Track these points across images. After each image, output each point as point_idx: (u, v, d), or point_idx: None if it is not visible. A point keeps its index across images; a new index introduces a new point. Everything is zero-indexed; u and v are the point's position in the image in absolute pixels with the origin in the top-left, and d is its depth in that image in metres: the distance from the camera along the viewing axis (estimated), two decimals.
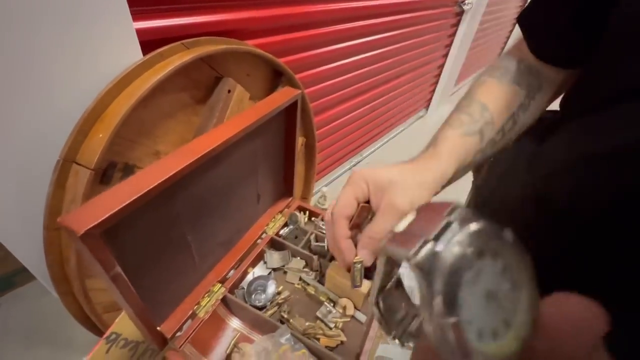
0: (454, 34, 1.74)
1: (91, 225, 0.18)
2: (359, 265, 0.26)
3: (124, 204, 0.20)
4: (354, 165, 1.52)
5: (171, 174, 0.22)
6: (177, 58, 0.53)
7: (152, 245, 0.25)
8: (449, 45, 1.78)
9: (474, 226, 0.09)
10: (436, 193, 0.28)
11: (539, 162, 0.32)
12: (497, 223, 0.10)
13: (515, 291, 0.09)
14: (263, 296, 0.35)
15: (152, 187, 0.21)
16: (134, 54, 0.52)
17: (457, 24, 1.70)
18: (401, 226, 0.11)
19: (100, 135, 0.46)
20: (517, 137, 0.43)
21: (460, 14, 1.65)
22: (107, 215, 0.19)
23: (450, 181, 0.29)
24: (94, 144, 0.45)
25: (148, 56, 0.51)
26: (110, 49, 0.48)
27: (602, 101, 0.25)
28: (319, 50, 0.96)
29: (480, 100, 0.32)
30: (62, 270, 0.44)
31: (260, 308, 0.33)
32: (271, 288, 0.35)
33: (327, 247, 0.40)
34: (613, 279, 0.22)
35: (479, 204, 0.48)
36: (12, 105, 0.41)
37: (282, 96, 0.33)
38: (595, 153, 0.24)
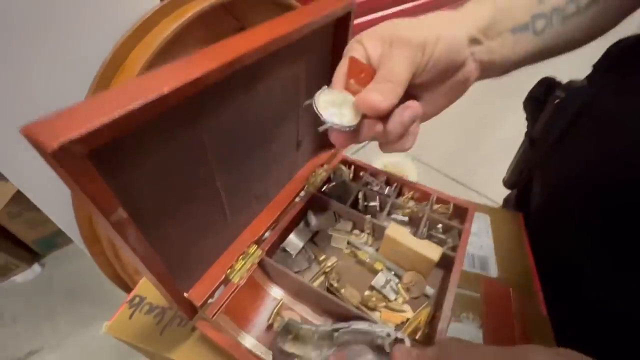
0: None
1: (71, 138, 0.12)
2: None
3: (127, 110, 0.13)
4: None
5: (195, 77, 0.16)
6: (195, 4, 0.48)
7: (172, 188, 0.19)
8: None
9: None
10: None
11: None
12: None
13: None
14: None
15: (168, 92, 0.15)
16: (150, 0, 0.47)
17: None
18: None
19: None
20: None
21: None
22: (98, 125, 0.13)
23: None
24: None
25: (165, 2, 0.46)
26: None
27: None
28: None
29: None
30: (92, 230, 0.42)
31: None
32: (313, 221, 0.27)
33: (380, 202, 0.33)
34: None
35: (529, 165, 0.41)
36: (31, 59, 0.38)
37: (332, 2, 0.25)
38: None
